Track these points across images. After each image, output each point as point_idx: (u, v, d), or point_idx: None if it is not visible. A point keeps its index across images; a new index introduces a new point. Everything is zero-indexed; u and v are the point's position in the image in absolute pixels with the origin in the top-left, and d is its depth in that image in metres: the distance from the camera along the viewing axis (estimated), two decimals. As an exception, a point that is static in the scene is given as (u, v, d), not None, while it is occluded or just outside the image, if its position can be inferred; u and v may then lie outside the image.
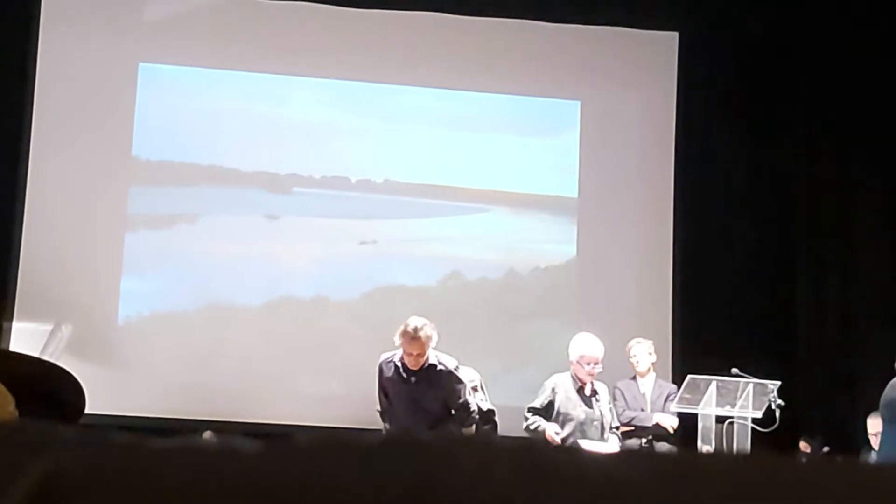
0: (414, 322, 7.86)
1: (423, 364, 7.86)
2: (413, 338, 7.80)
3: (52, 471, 0.76)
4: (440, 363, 7.92)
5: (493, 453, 0.78)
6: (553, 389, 8.18)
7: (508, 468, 0.76)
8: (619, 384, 9.12)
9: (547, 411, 8.20)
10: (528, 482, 0.76)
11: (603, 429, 8.05)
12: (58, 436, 0.80)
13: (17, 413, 2.64)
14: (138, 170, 10.70)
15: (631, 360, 9.20)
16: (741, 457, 0.80)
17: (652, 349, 9.27)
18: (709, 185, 11.11)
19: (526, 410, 8.34)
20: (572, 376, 8.20)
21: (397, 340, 7.92)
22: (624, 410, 8.95)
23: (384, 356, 8.14)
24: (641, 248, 11.03)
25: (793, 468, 0.77)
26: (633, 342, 9.34)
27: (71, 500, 0.75)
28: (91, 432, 0.81)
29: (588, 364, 8.06)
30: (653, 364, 9.20)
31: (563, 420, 8.07)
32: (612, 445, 7.94)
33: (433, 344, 7.90)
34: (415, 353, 7.83)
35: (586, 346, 8.18)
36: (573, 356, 8.20)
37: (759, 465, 0.77)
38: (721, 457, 0.80)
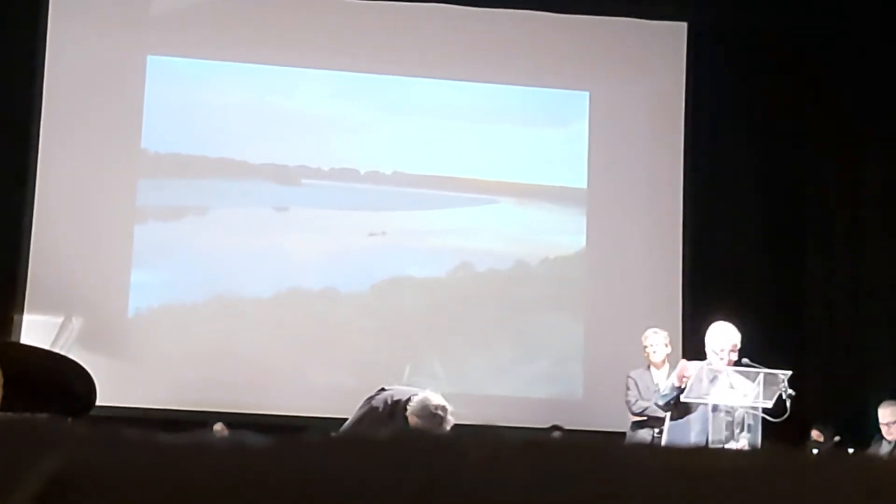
0: (441, 410, 6.50)
1: None
2: (438, 424, 6.50)
3: (63, 467, 0.76)
4: None
5: (500, 447, 0.78)
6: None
7: (515, 462, 0.77)
8: (633, 373, 9.08)
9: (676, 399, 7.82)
10: (535, 476, 0.77)
11: (734, 424, 7.61)
12: (69, 432, 0.80)
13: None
14: (147, 162, 10.71)
15: (646, 349, 9.14)
16: (747, 452, 0.81)
17: (668, 340, 9.22)
18: (718, 174, 11.09)
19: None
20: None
21: (416, 406, 6.51)
22: (637, 400, 8.92)
23: (395, 394, 6.73)
24: (651, 238, 11.02)
25: (801, 464, 0.77)
26: (649, 331, 9.26)
27: (82, 495, 0.76)
28: (101, 428, 0.81)
29: (720, 351, 7.77)
30: (667, 355, 9.16)
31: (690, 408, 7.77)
32: (741, 446, 7.57)
33: None
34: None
35: (716, 333, 7.82)
36: (708, 346, 7.85)
37: (766, 460, 0.77)
38: (727, 452, 0.80)
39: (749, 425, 7.57)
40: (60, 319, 10.20)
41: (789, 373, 7.60)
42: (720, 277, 10.86)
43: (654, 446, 0.83)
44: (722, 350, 7.70)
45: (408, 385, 7.29)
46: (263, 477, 0.76)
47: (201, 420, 9.52)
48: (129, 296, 10.50)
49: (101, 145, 10.52)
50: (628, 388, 9.00)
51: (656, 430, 8.69)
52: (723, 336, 7.77)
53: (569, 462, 0.78)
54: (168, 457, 0.78)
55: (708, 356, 7.80)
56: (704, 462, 0.79)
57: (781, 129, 11.11)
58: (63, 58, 10.56)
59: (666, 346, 9.15)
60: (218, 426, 9.67)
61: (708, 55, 11.10)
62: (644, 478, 0.77)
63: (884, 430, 8.96)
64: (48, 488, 0.76)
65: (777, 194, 11.10)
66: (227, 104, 10.80)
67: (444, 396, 7.83)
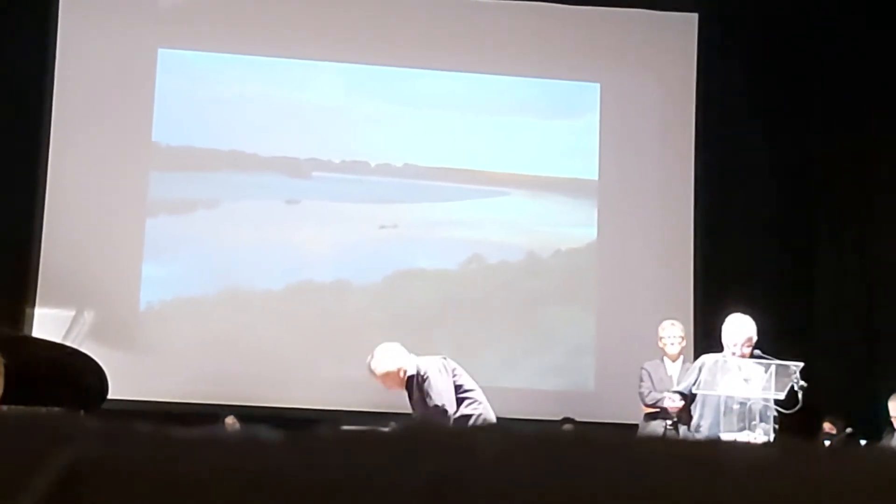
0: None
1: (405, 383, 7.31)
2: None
3: (76, 461, 0.76)
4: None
5: (512, 443, 0.78)
6: (700, 369, 7.81)
7: (528, 457, 0.77)
8: (647, 365, 9.07)
9: (690, 392, 7.85)
10: (547, 471, 0.77)
11: (750, 415, 7.55)
12: (82, 426, 0.80)
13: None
14: (159, 155, 10.72)
15: (662, 340, 9.13)
16: (760, 445, 0.80)
17: (683, 333, 9.21)
18: (729, 166, 11.07)
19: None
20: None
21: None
22: (650, 392, 8.92)
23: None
24: (662, 229, 11.01)
25: (815, 457, 0.77)
26: (666, 323, 9.24)
27: (95, 489, 0.76)
28: (114, 422, 0.81)
29: (732, 345, 7.77)
30: (682, 348, 9.16)
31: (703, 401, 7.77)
32: (757, 436, 7.52)
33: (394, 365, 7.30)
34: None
35: (731, 326, 7.82)
36: (723, 339, 7.85)
37: (780, 454, 0.77)
38: (740, 445, 0.80)
39: (763, 416, 7.57)
40: (72, 313, 10.22)
41: (801, 364, 7.60)
42: (731, 269, 10.85)
43: (666, 439, 0.83)
44: (735, 344, 7.70)
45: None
46: (275, 471, 0.76)
47: (213, 413, 9.53)
48: (141, 289, 10.52)
49: (112, 138, 10.53)
50: (642, 380, 8.99)
51: (668, 422, 8.69)
52: (737, 330, 7.77)
53: (581, 457, 0.78)
54: (180, 451, 0.78)
55: (724, 348, 7.81)
56: (717, 455, 0.79)
57: (792, 120, 11.09)
58: (74, 51, 10.57)
59: (682, 339, 9.15)
60: (229, 419, 9.69)
61: (718, 46, 11.08)
62: (657, 472, 0.77)
63: (895, 422, 8.93)
64: (61, 482, 0.76)
65: (788, 185, 11.08)
66: (238, 97, 10.81)
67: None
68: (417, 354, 7.92)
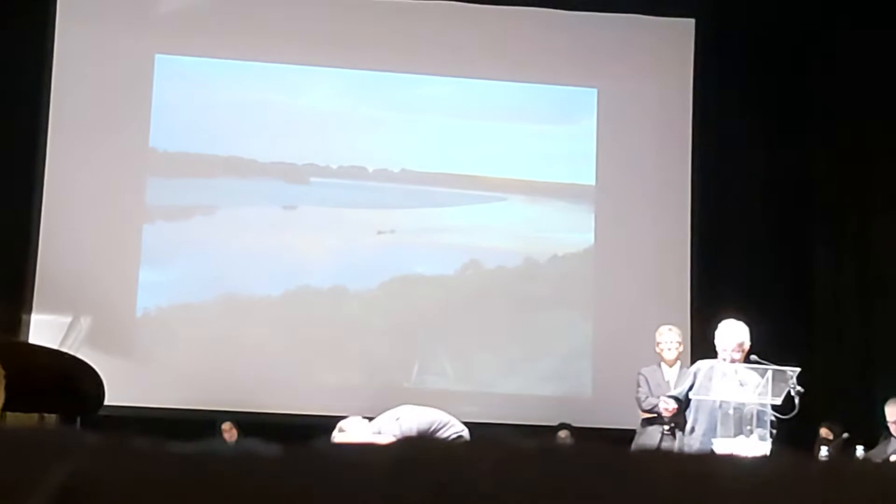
0: None
1: None
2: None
3: (73, 476, 0.76)
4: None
5: (511, 457, 0.78)
6: (695, 374, 7.80)
7: (527, 472, 0.77)
8: (644, 370, 9.06)
9: (685, 397, 7.85)
10: (544, 483, 0.77)
11: (745, 420, 7.52)
12: (80, 441, 0.80)
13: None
14: (156, 161, 10.71)
15: (659, 345, 9.12)
16: (760, 459, 0.80)
17: (681, 338, 9.20)
18: (726, 171, 11.08)
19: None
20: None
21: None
22: (647, 397, 8.91)
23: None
24: (659, 235, 11.01)
25: (814, 472, 0.77)
26: (663, 328, 9.23)
27: (92, 505, 0.76)
28: (111, 437, 0.81)
29: (723, 350, 7.77)
30: (680, 353, 9.15)
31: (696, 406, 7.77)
32: (752, 443, 7.51)
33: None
34: None
35: (722, 331, 7.83)
36: (716, 344, 7.86)
37: (780, 468, 0.77)
38: (741, 460, 0.80)
39: (760, 421, 7.56)
40: (69, 319, 10.21)
41: (798, 369, 7.59)
42: (728, 274, 10.85)
43: (666, 453, 0.83)
44: (725, 349, 7.70)
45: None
46: (272, 486, 0.76)
47: (209, 419, 9.53)
48: (138, 295, 10.50)
49: (110, 144, 10.52)
50: (639, 385, 8.98)
51: (666, 427, 8.69)
52: (728, 335, 7.77)
53: (578, 470, 0.78)
54: (177, 466, 0.78)
55: (718, 354, 7.82)
56: (713, 470, 0.79)
57: (789, 125, 11.10)
58: (71, 57, 10.57)
59: (679, 344, 9.13)
60: (226, 425, 9.69)
61: (715, 51, 11.09)
62: (657, 485, 0.77)
63: (892, 428, 8.93)
64: (59, 498, 0.76)
65: (785, 190, 11.08)
66: (236, 102, 10.80)
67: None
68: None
